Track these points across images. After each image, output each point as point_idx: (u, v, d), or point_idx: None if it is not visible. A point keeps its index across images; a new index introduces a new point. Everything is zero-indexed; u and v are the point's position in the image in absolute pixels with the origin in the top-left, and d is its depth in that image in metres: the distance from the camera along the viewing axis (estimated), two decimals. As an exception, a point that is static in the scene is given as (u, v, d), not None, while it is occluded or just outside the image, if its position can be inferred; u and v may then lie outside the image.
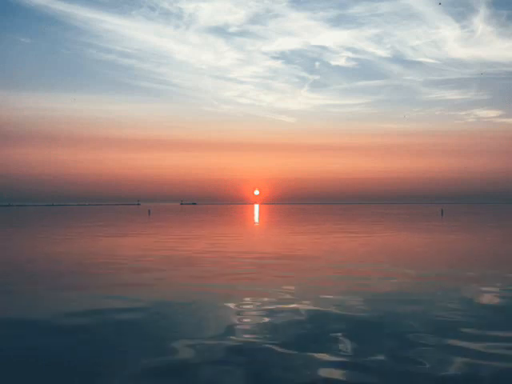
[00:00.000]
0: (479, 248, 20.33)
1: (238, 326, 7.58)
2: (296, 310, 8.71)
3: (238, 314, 8.42)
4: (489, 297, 9.95)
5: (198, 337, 6.99)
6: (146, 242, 24.05)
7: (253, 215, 78.19)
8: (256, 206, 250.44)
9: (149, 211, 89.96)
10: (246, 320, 8.00)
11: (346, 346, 6.54)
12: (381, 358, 6.01)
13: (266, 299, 9.75)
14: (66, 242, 24.24)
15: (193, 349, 6.41)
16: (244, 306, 9.09)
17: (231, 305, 9.23)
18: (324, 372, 5.51)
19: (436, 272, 13.40)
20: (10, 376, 5.43)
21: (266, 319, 8.05)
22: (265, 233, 31.63)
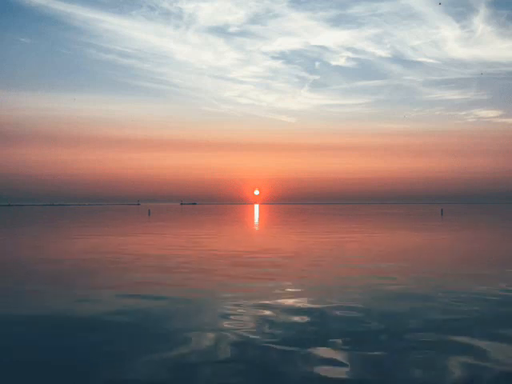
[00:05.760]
0: (479, 248, 20.33)
1: (237, 326, 7.57)
2: (296, 310, 8.70)
3: (239, 314, 8.41)
4: (489, 297, 9.94)
5: (198, 337, 6.98)
6: (145, 242, 24.06)
7: (253, 215, 78.22)
8: (256, 206, 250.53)
9: (149, 211, 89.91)
10: (245, 320, 7.99)
11: (347, 345, 6.53)
12: (381, 357, 6.00)
13: (266, 299, 9.74)
14: (66, 242, 24.25)
15: (192, 348, 6.40)
16: (244, 306, 9.07)
17: (231, 305, 9.22)
18: (324, 371, 5.50)
19: (436, 271, 13.40)
20: (10, 376, 5.42)
21: (266, 319, 8.04)
22: (265, 233, 31.64)
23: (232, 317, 8.21)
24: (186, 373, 5.50)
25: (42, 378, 5.37)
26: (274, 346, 6.52)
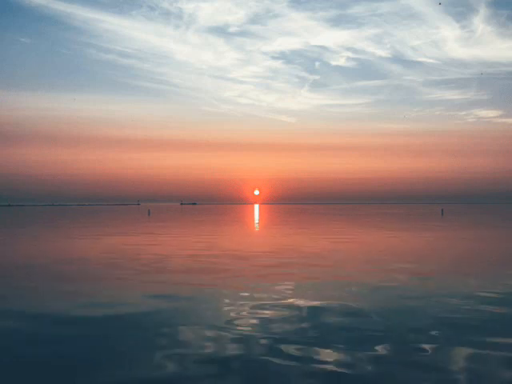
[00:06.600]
0: (479, 247, 20.34)
1: (236, 326, 7.58)
2: (296, 310, 8.70)
3: (237, 314, 8.41)
4: (490, 297, 9.94)
5: (197, 336, 6.99)
6: (144, 242, 24.07)
7: (253, 215, 78.22)
8: (256, 206, 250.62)
9: (148, 211, 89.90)
10: (244, 320, 7.99)
11: (345, 344, 6.52)
12: (380, 358, 6.00)
13: (265, 299, 9.74)
14: (66, 242, 24.26)
15: (191, 348, 6.40)
16: (243, 306, 9.08)
17: (230, 305, 9.22)
18: (322, 371, 5.50)
19: (437, 271, 13.40)
20: (9, 374, 5.42)
21: (265, 320, 8.05)
22: (265, 232, 31.65)
23: (231, 318, 8.21)
24: (184, 374, 5.49)
25: (42, 377, 5.37)
26: (273, 346, 6.53)
